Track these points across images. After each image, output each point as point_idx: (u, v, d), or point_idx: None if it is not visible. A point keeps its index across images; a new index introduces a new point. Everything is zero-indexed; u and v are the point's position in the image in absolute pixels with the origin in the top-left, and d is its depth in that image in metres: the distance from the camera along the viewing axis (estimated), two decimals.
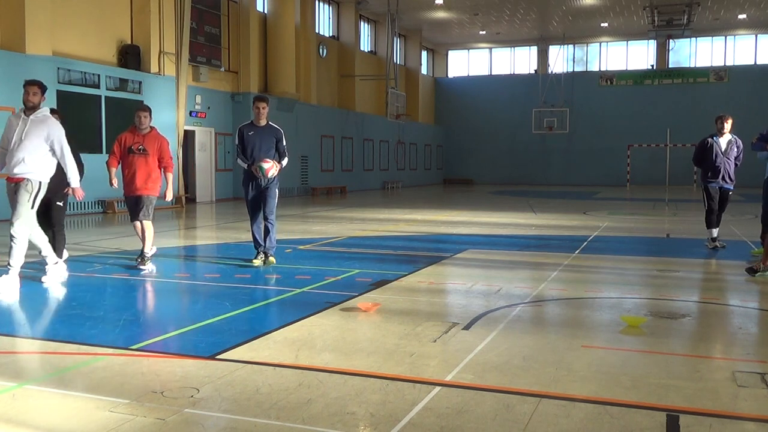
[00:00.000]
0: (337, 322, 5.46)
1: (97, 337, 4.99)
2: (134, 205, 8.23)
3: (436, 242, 11.61)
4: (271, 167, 8.12)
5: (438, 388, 3.86)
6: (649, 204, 21.55)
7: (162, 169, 8.26)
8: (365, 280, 7.41)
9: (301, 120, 25.86)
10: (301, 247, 10.38)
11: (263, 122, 8.27)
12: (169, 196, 8.49)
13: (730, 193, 10.16)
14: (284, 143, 8.34)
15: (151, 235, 8.18)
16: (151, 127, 8.23)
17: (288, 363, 4.33)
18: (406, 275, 7.75)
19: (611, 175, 37.45)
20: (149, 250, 8.15)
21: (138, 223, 8.24)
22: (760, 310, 6.33)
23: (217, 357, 4.45)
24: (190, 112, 20.54)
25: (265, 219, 8.32)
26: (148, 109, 8.28)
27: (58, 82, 15.84)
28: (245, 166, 8.27)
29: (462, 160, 41.46)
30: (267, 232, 8.33)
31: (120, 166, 8.26)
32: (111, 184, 8.23)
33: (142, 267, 7.93)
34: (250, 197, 8.38)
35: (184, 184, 20.21)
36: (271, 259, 8.37)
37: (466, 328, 5.27)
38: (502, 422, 3.38)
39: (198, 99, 20.93)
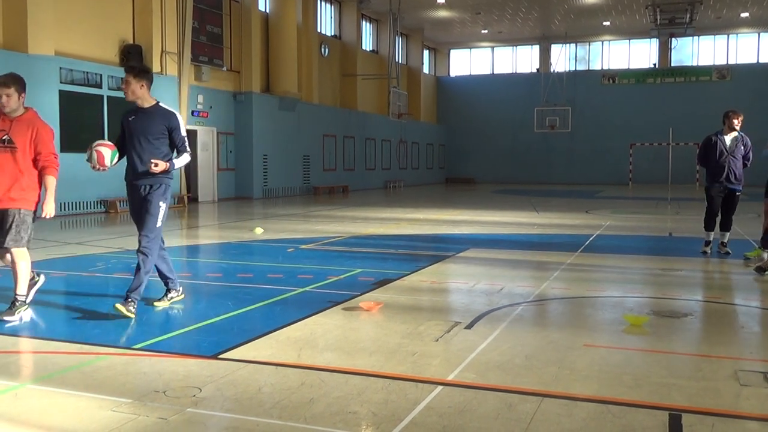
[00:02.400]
0: (339, 322, 5.46)
1: (100, 336, 5.00)
2: None
3: (439, 241, 11.61)
4: (102, 157, 5.56)
5: (440, 388, 3.86)
6: (651, 203, 21.52)
7: (39, 171, 5.57)
8: (367, 279, 7.40)
9: (303, 119, 25.87)
10: (304, 246, 10.38)
11: (147, 104, 5.81)
12: (48, 211, 5.54)
13: (738, 194, 9.56)
14: (183, 133, 5.84)
15: (25, 270, 5.56)
16: (25, 108, 5.61)
17: (290, 362, 4.33)
18: (409, 274, 7.75)
19: (613, 174, 37.42)
20: (23, 291, 5.53)
21: (6, 255, 5.56)
22: (763, 309, 6.32)
23: (220, 356, 4.46)
24: (192, 112, 20.55)
25: (138, 248, 5.67)
26: (12, 82, 5.49)
27: (61, 82, 15.85)
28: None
29: (464, 159, 41.44)
30: (137, 267, 5.65)
31: None
32: None
33: (8, 318, 5.34)
34: (132, 210, 5.95)
35: (186, 184, 20.22)
36: (122, 308, 5.45)
37: (469, 327, 5.27)
38: (504, 421, 3.38)
39: (200, 98, 20.94)
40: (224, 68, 22.07)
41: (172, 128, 5.79)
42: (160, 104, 5.89)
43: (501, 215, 16.81)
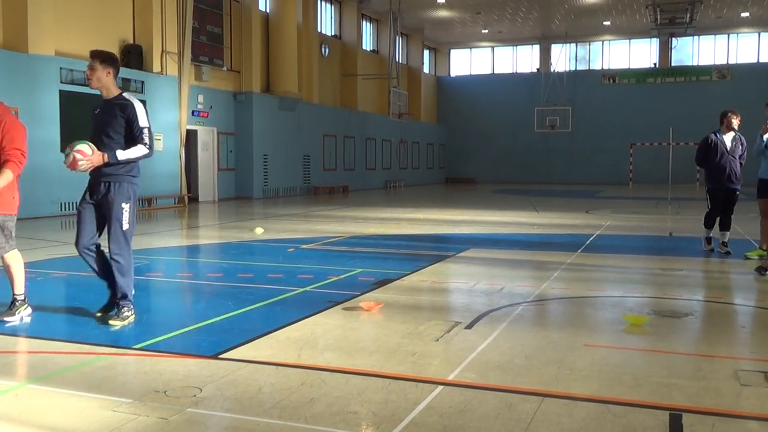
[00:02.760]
0: (339, 322, 5.46)
1: (100, 336, 4.99)
2: None
3: (439, 241, 11.61)
4: (77, 160, 5.16)
5: (440, 387, 3.86)
6: (651, 203, 21.52)
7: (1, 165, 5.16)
8: (368, 279, 7.41)
9: (304, 119, 25.87)
10: (304, 246, 10.38)
11: (110, 94, 5.48)
12: None
13: (737, 193, 9.62)
14: (141, 124, 5.35)
15: (20, 271, 5.45)
16: None
17: (290, 362, 4.33)
18: (409, 274, 7.75)
19: (613, 174, 37.41)
20: (21, 290, 5.44)
21: None
22: (763, 309, 6.32)
23: (220, 356, 4.46)
24: (193, 112, 20.55)
25: (110, 255, 5.44)
26: None
27: (61, 82, 15.85)
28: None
29: (464, 159, 41.45)
30: (113, 274, 5.46)
31: None
32: None
33: (8, 318, 5.33)
34: (82, 206, 5.49)
35: (187, 184, 20.22)
36: (116, 321, 5.30)
37: (469, 327, 5.27)
38: (504, 421, 3.38)
39: (200, 98, 20.94)
40: (224, 68, 22.07)
41: (130, 119, 5.35)
42: (123, 94, 5.53)
43: (501, 215, 16.81)
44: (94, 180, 5.40)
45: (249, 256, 9.72)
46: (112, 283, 5.54)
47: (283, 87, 24.15)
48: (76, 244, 5.49)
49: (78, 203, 5.58)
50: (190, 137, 20.84)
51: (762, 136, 8.60)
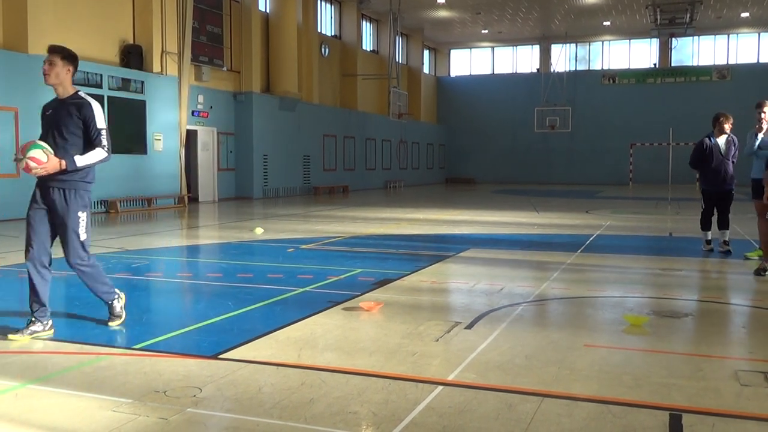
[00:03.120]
0: (339, 322, 5.46)
1: (100, 336, 5.00)
2: None
3: (439, 241, 11.61)
4: (31, 168, 4.80)
5: (440, 388, 3.86)
6: (651, 203, 21.53)
7: None
8: (368, 279, 7.41)
9: (303, 119, 25.88)
10: (304, 246, 10.38)
11: (66, 93, 5.08)
12: None
13: (732, 192, 9.78)
14: (99, 125, 4.99)
15: None
16: None
17: (290, 362, 4.33)
18: (409, 274, 7.75)
19: (613, 174, 37.43)
20: None
21: None
22: (763, 309, 6.32)
23: (220, 356, 4.46)
24: (193, 112, 20.55)
25: (72, 267, 5.19)
26: None
27: None
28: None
29: (464, 159, 41.46)
30: (86, 284, 5.30)
31: None
32: None
33: None
34: (33, 211, 5.06)
35: (186, 184, 20.22)
36: (114, 321, 5.32)
37: (469, 327, 5.27)
38: (504, 422, 3.38)
39: (200, 98, 20.94)
40: (224, 68, 22.07)
41: (86, 119, 4.97)
42: (79, 93, 5.13)
43: (501, 215, 16.81)
44: (45, 185, 5.01)
45: (249, 256, 9.72)
46: (35, 298, 5.07)
47: (283, 87, 24.15)
48: (26, 253, 5.03)
49: (27, 208, 5.08)
50: (190, 137, 20.85)
51: (756, 135, 8.63)
